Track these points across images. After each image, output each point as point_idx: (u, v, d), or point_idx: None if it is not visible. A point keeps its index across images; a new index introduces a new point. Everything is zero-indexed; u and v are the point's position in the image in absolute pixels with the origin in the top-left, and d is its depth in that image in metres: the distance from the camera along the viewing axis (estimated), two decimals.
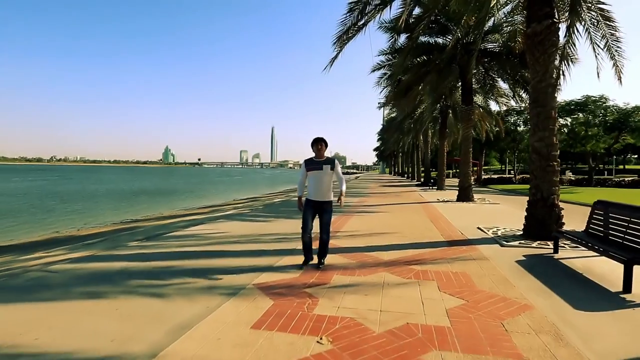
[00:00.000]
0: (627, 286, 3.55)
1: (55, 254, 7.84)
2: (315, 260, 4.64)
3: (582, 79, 14.23)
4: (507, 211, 10.80)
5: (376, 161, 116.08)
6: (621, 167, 55.03)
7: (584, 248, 4.90)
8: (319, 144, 4.56)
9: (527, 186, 6.75)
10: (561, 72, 6.44)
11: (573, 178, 28.85)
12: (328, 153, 4.77)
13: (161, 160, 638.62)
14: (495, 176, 35.97)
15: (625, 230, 4.16)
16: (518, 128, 30.67)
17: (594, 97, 24.26)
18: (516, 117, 29.48)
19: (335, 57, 7.58)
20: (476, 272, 4.27)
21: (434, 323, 2.86)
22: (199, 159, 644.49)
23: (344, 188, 4.54)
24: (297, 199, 4.68)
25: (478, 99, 16.93)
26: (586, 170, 29.96)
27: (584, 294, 3.57)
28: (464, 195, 13.49)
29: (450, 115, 20.07)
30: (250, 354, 2.40)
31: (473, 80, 14.14)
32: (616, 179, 25.39)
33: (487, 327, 2.78)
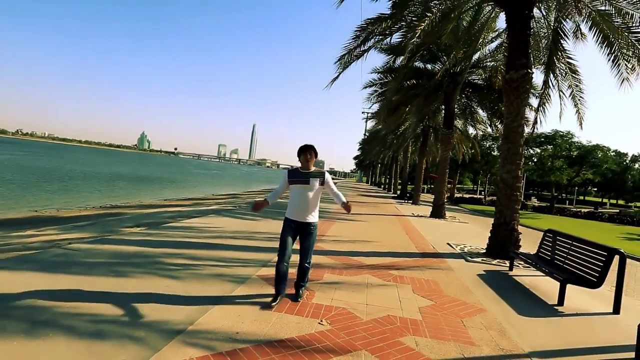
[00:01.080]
0: (561, 300, 4.43)
1: (48, 232, 8.12)
2: (290, 290, 3.82)
3: (551, 114, 15.65)
4: (474, 230, 11.83)
5: (354, 169, 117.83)
6: (582, 197, 58.93)
7: (533, 268, 5.80)
8: (307, 152, 3.67)
9: (488, 208, 7.68)
10: (538, 119, 7.46)
11: (537, 204, 30.88)
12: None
13: (136, 145, 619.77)
14: (467, 196, 37.83)
15: (566, 255, 5.08)
16: (492, 152, 32.58)
17: (562, 132, 26.28)
18: (491, 142, 31.34)
19: (337, 77, 8.30)
20: (443, 280, 5.07)
21: (409, 316, 3.59)
22: (176, 149, 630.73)
23: (344, 199, 3.73)
24: (261, 200, 3.72)
25: (458, 123, 18.14)
26: (550, 198, 32.14)
27: (527, 304, 4.41)
28: (437, 212, 14.53)
29: (432, 135, 21.27)
30: (268, 327, 3.04)
31: (455, 106, 15.28)
32: (574, 209, 27.50)
33: (450, 322, 3.54)
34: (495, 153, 32.78)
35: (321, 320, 3.29)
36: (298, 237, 3.68)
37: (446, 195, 34.91)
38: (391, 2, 7.79)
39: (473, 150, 23.50)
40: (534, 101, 11.59)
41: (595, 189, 65.13)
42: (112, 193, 21.67)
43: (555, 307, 4.36)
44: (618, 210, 31.35)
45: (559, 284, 4.54)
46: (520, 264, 6.51)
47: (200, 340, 2.70)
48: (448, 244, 8.32)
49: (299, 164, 3.77)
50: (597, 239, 5.16)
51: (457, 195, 37.77)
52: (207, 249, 5.66)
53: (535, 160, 27.98)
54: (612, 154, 26.88)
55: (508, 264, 6.35)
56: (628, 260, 5.04)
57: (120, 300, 3.32)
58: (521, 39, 7.36)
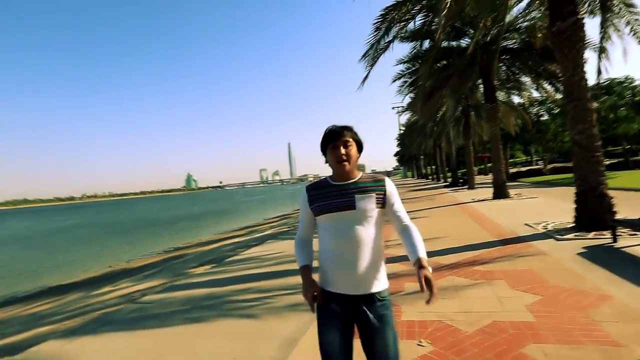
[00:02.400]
0: None
1: (122, 286, 8.41)
2: None
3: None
4: (549, 204, 10.73)
5: (397, 166, 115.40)
6: None
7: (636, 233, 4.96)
8: (339, 141, 1.64)
9: (560, 176, 6.86)
10: (601, 68, 6.59)
11: (607, 162, 27.95)
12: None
13: (184, 187, 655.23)
14: (524, 169, 35.25)
15: None
16: (541, 118, 30.21)
17: (619, 79, 23.71)
18: (538, 107, 29.07)
19: (367, 76, 7.98)
20: (541, 268, 4.42)
21: (519, 319, 3.07)
22: (221, 182, 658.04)
23: (423, 248, 1.60)
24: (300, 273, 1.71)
25: (500, 95, 16.94)
26: (619, 153, 28.94)
27: None
28: (500, 192, 13.45)
29: (473, 114, 20.08)
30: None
31: (494, 78, 14.24)
32: None
33: (573, 319, 2.97)
34: (545, 118, 30.30)
35: (420, 341, 2.87)
36: (357, 331, 1.64)
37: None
38: None
39: (521, 121, 21.86)
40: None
41: None
42: (173, 236, 22.62)
43: None
44: None
45: None
46: (623, 232, 5.62)
47: None
48: (526, 224, 7.50)
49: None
50: None
51: (511, 170, 35.33)
52: (273, 277, 5.45)
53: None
54: None
55: (609, 235, 5.49)
56: None
57: (199, 351, 3.13)
58: None
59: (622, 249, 4.93)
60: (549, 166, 30.14)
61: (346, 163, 1.62)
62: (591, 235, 5.85)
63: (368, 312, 1.56)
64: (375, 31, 7.64)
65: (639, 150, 41.43)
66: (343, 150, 1.63)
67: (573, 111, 6.60)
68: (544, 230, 6.66)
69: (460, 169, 35.13)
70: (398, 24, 7.84)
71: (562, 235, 6.04)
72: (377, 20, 7.56)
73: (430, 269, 1.49)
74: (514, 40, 12.80)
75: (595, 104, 24.15)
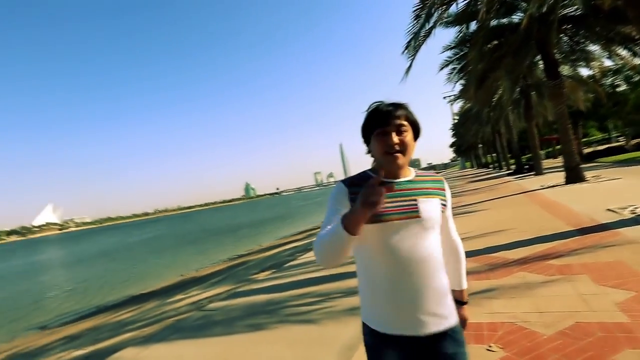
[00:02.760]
0: None
1: (192, 294, 8.95)
2: None
3: None
4: (636, 185, 9.46)
5: (454, 157, 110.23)
6: None
7: None
8: (390, 125, 1.17)
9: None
10: None
11: None
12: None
13: (243, 195, 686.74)
14: (601, 147, 31.65)
15: None
16: (617, 89, 26.91)
17: None
18: (613, 77, 25.95)
19: (410, 66, 7.69)
20: (633, 260, 3.86)
21: (609, 320, 2.69)
22: (277, 188, 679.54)
23: (465, 276, 1.42)
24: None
25: (564, 69, 15.37)
26: None
27: None
28: (574, 176, 12.15)
29: (534, 94, 18.46)
30: None
31: (555, 52, 12.95)
32: None
33: None
34: (623, 88, 26.91)
35: (490, 346, 2.63)
36: None
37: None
38: None
39: (593, 95, 19.65)
40: None
41: None
42: (236, 243, 23.72)
43: None
44: None
45: None
46: None
47: None
48: (609, 209, 6.66)
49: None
50: None
51: (586, 150, 31.87)
52: (331, 281, 5.41)
53: None
54: None
55: None
56: None
57: (261, 357, 3.18)
58: None
59: None
60: (633, 142, 26.70)
61: (399, 155, 1.17)
62: None
63: (439, 356, 1.17)
64: (414, 19, 7.33)
65: None
66: (396, 138, 1.16)
67: None
68: (633, 216, 5.86)
69: (525, 154, 32.45)
70: (440, 8, 7.44)
71: None
72: (416, 7, 7.25)
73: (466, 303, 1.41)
74: (575, 7, 11.52)
75: None
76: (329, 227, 1.10)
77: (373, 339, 1.20)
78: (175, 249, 26.50)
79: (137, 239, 48.33)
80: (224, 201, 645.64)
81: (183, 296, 8.91)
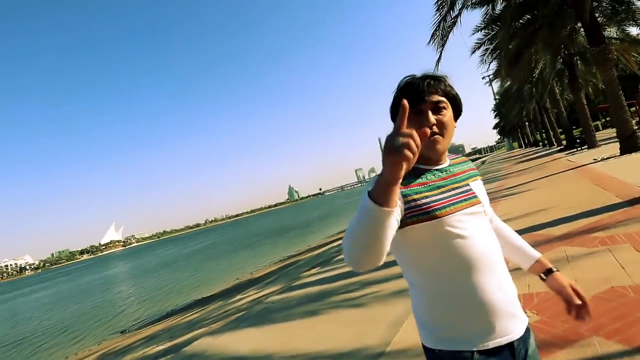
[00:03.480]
0: None
1: (249, 294, 9.64)
2: None
3: None
4: None
5: (499, 138, 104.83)
6: None
7: None
8: (426, 103, 0.97)
9: None
10: None
11: None
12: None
13: (287, 199, 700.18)
14: None
15: None
16: None
17: None
18: None
19: (439, 58, 7.81)
20: None
21: None
22: (320, 189, 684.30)
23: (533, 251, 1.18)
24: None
25: (611, 31, 14.40)
26: None
27: None
28: (630, 146, 11.40)
29: (579, 62, 17.39)
30: None
31: (596, 13, 12.22)
32: None
33: None
34: None
35: (525, 311, 2.85)
36: None
37: (634, 120, 27.51)
38: None
39: None
40: None
41: None
42: (285, 245, 24.64)
43: None
44: None
45: None
46: None
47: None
48: None
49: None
50: None
51: None
52: (377, 270, 5.74)
53: None
54: None
55: None
56: None
57: (319, 335, 3.61)
58: None
59: None
60: None
61: (438, 137, 0.98)
62: None
63: (528, 356, 1.01)
64: (437, 10, 7.44)
65: None
66: (433, 118, 0.97)
67: None
68: None
69: (577, 127, 30.37)
70: None
71: None
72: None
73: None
74: None
75: None
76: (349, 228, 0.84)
77: (460, 357, 0.94)
78: (228, 255, 28.05)
79: (192, 249, 51.44)
80: (269, 206, 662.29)
81: (242, 296, 9.62)
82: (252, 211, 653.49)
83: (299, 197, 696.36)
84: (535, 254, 1.16)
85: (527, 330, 1.03)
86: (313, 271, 8.30)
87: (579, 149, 19.36)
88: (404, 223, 0.91)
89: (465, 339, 0.95)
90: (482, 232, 0.98)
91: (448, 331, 0.96)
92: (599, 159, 12.03)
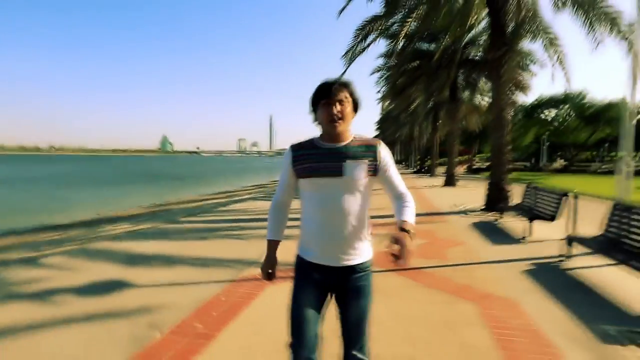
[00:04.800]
0: (526, 234, 5.82)
1: (124, 227, 9.90)
2: None
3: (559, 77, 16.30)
4: (480, 192, 13.09)
5: None
6: (613, 154, 54.44)
7: (517, 215, 7.15)
8: (333, 98, 1.47)
9: (512, 175, 8.88)
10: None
11: (559, 166, 31.08)
12: None
13: (159, 149, 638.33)
14: (486, 165, 38.26)
15: (535, 202, 6.41)
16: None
17: (573, 93, 26.44)
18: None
19: (344, 71, 9.68)
20: (439, 229, 6.55)
21: (414, 247, 5.11)
22: (198, 148, 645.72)
23: (413, 214, 1.58)
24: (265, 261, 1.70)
25: (465, 95, 19.06)
26: (584, 160, 32.10)
27: (501, 239, 5.84)
28: (449, 182, 15.81)
29: (443, 109, 22.20)
30: None
31: (461, 79, 16.28)
32: (595, 168, 27.71)
33: (436, 251, 5.05)
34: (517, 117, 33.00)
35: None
36: (334, 300, 1.62)
37: (464, 166, 35.54)
38: (384, 2, 9.05)
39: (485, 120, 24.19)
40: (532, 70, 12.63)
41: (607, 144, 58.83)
42: (155, 193, 23.75)
43: (520, 240, 5.77)
44: None
45: (530, 222, 5.90)
46: (509, 214, 7.84)
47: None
48: (453, 204, 9.72)
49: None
50: (590, 190, 6.44)
51: (477, 165, 38.29)
52: (255, 221, 7.35)
53: (553, 122, 28.29)
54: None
55: (498, 215, 7.71)
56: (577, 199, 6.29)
57: (211, 249, 5.02)
58: (499, 21, 8.46)
59: (499, 224, 7.14)
60: (511, 166, 33.07)
61: (339, 122, 1.45)
62: (489, 214, 8.08)
63: (347, 284, 1.52)
64: (354, 38, 9.35)
65: (597, 158, 44.98)
66: (337, 108, 1.45)
67: (494, 122, 8.69)
68: (461, 209, 8.87)
69: (442, 157, 37.78)
70: (374, 33, 9.56)
71: (469, 213, 8.26)
72: (357, 29, 9.27)
73: (413, 235, 1.40)
74: (476, 52, 14.80)
75: (553, 111, 26.66)
76: (276, 196, 1.67)
77: (302, 265, 1.56)
78: (87, 189, 25.52)
79: (36, 174, 43.74)
80: (137, 151, 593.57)
81: (114, 227, 9.75)
82: (114, 150, 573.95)
83: (172, 149, 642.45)
84: (402, 217, 1.51)
85: (353, 269, 1.51)
86: (195, 218, 9.34)
87: (424, 175, 24.69)
88: (298, 176, 1.54)
89: (306, 251, 1.56)
90: (333, 193, 1.46)
91: (303, 244, 1.58)
92: (429, 186, 16.20)
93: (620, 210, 4.13)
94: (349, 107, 1.49)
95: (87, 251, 5.21)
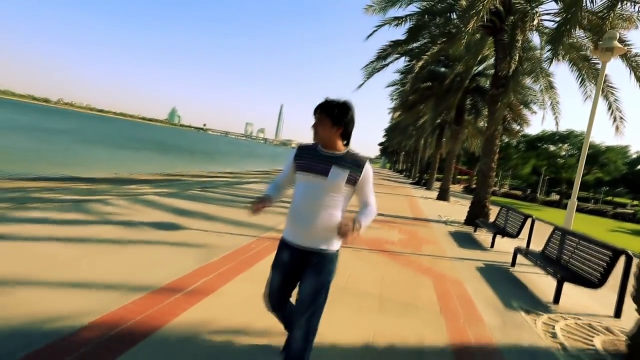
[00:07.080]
0: (493, 244, 7.11)
1: (147, 188, 11.11)
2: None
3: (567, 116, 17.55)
4: (466, 209, 14.39)
5: (379, 155, 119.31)
6: (610, 198, 54.75)
7: (489, 230, 8.44)
8: (315, 115, 1.96)
9: (500, 199, 10.13)
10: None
11: (552, 200, 32.28)
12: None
13: (166, 120, 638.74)
14: None
15: (505, 221, 7.69)
16: (509, 146, 34.15)
17: (576, 132, 27.70)
18: (504, 137, 32.95)
19: (362, 84, 10.91)
20: (421, 231, 7.83)
21: (390, 239, 6.38)
22: (205, 124, 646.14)
23: (368, 219, 1.90)
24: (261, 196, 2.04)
25: (470, 119, 20.30)
26: (585, 198, 33.33)
27: (469, 245, 7.12)
28: (442, 196, 17.08)
29: (448, 129, 23.46)
30: None
31: (468, 103, 17.51)
32: (582, 205, 28.96)
33: (414, 245, 6.31)
34: (513, 144, 34.33)
35: None
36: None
37: (463, 185, 36.81)
38: (406, 31, 10.27)
39: None
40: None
41: (627, 190, 57.40)
42: (165, 161, 24.97)
43: (488, 248, 7.05)
44: (633, 211, 32.01)
45: (494, 235, 7.18)
46: (483, 229, 9.14)
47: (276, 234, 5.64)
48: (439, 215, 11.00)
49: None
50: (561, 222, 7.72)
51: (475, 185, 39.57)
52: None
53: (553, 156, 29.58)
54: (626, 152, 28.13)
55: (474, 228, 8.99)
56: (542, 223, 7.58)
57: (237, 215, 6.29)
58: (501, 61, 9.67)
59: (472, 234, 8.42)
60: (503, 190, 34.46)
61: (316, 135, 1.93)
62: (467, 227, 9.36)
63: (307, 264, 1.90)
64: (375, 59, 10.58)
65: (593, 198, 46.13)
66: (316, 124, 1.91)
67: (484, 149, 9.95)
68: (445, 220, 10.15)
69: (441, 173, 39.08)
70: (394, 55, 10.79)
71: (451, 224, 9.54)
72: (378, 51, 10.50)
73: (358, 229, 1.73)
74: (484, 82, 16.04)
75: (552, 147, 27.82)
76: (279, 177, 2.10)
77: (281, 241, 2.01)
78: (103, 148, 26.75)
79: (51, 126, 44.93)
80: (144, 118, 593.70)
81: (138, 187, 10.91)
82: (121, 114, 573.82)
83: (179, 122, 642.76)
84: (358, 216, 1.83)
85: (313, 253, 1.88)
86: (215, 189, 10.61)
87: (421, 186, 25.94)
88: (296, 169, 1.96)
89: (286, 232, 1.99)
90: (315, 192, 1.86)
91: (286, 227, 2.00)
92: (424, 197, 17.47)
93: (559, 234, 5.40)
94: (322, 127, 1.89)
95: (141, 200, 6.49)
